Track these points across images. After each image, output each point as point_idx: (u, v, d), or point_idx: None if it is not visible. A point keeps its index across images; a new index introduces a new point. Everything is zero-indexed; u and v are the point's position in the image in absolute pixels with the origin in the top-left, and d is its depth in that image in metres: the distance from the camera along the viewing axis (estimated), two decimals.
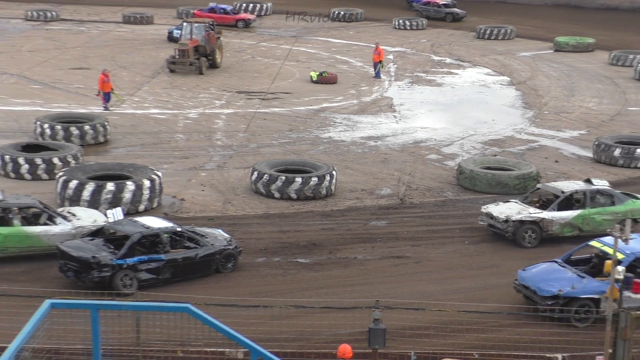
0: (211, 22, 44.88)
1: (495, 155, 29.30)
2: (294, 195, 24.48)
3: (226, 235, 19.97)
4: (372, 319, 12.94)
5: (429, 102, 38.63)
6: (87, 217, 20.29)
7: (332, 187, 25.02)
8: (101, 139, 29.48)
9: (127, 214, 22.29)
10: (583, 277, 17.34)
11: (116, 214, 19.59)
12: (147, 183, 22.87)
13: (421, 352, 14.14)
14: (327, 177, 24.81)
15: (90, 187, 22.39)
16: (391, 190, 25.77)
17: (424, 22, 60.52)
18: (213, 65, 43.55)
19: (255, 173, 24.91)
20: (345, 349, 12.22)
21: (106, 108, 33.91)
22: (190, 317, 8.97)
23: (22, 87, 38.23)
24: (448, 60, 49.08)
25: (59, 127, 28.93)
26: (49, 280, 18.32)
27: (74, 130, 28.96)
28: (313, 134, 32.34)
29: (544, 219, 21.73)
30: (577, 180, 23.85)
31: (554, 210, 21.93)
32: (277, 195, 24.48)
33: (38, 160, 25.33)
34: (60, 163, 25.33)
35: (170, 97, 37.42)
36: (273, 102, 37.37)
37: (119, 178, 23.19)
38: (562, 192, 22.25)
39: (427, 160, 29.35)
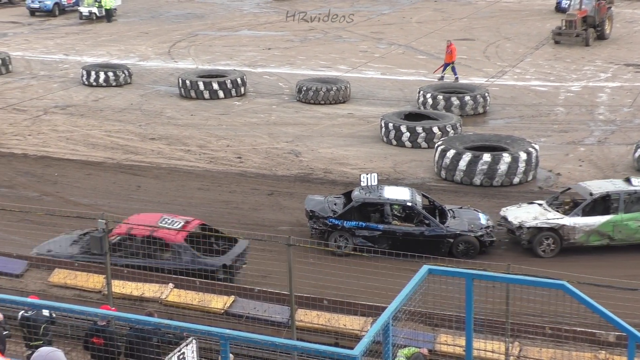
0: None
1: None
2: None
3: (484, 222, 18.85)
4: None
5: None
6: None
7: None
8: (480, 110, 29.78)
9: (500, 185, 22.48)
10: None
11: (370, 178, 19.37)
12: (523, 156, 22.68)
13: None
14: None
15: (466, 157, 22.76)
16: None
17: None
18: (601, 37, 41.88)
19: (639, 150, 23.64)
20: None
21: (441, 78, 34.01)
22: (564, 294, 8.80)
23: (408, 57, 39.81)
24: None
25: (440, 97, 29.71)
26: None
27: (455, 100, 29.56)
28: None
29: (564, 225, 18.28)
30: (617, 179, 19.51)
31: (578, 215, 18.37)
32: None
33: (419, 129, 26.24)
34: (439, 132, 26.02)
35: (552, 69, 36.67)
36: None
37: (496, 149, 23.30)
38: (591, 194, 18.49)
39: None
